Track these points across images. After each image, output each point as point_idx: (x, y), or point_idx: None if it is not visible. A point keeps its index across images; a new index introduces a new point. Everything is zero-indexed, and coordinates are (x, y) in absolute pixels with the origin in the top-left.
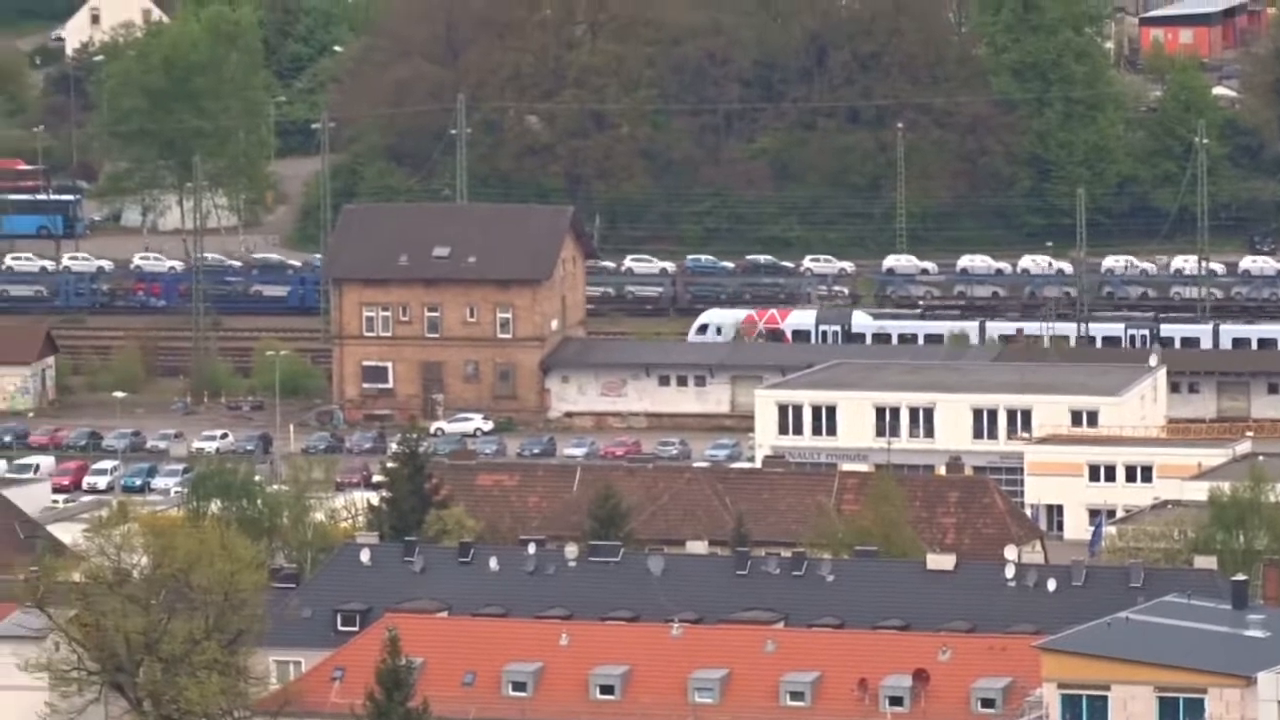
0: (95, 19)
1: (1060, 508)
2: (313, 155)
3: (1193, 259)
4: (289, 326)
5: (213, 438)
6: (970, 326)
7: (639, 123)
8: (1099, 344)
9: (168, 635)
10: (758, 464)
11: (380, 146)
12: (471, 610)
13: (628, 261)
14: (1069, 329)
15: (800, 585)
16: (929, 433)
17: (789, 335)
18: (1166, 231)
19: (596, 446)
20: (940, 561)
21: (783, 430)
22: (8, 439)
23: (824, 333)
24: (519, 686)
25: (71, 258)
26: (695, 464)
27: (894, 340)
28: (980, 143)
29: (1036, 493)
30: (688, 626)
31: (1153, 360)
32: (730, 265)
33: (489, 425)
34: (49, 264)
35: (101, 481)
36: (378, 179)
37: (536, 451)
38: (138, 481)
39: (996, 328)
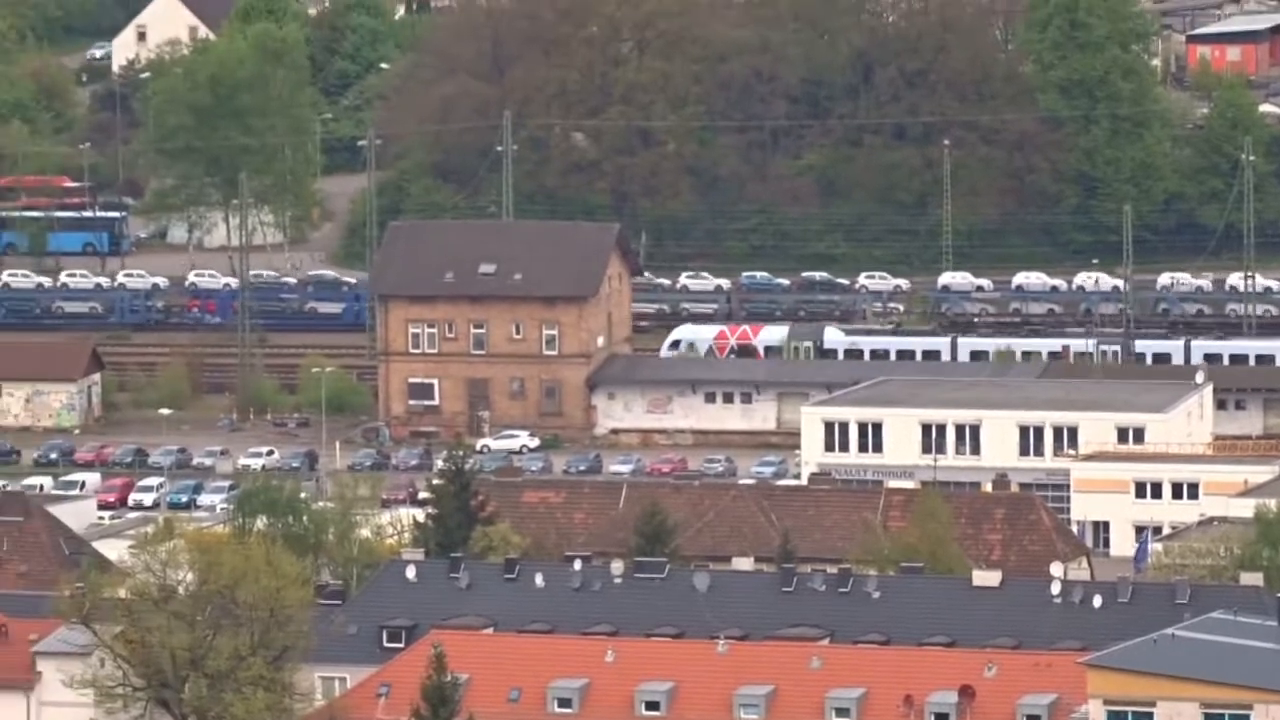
0: (142, 36)
1: (1106, 524)
2: (359, 172)
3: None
4: (335, 343)
5: (259, 454)
6: (941, 343)
7: (685, 139)
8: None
9: (213, 651)
10: (804, 481)
11: (426, 163)
12: (517, 627)
13: (683, 279)
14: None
15: (846, 602)
16: (975, 449)
17: (761, 351)
18: (1212, 248)
19: (642, 463)
20: (986, 578)
21: (829, 447)
22: (54, 456)
23: (796, 349)
24: (564, 703)
25: (126, 274)
26: (741, 481)
27: (865, 356)
28: (1027, 160)
29: (1083, 509)
30: (733, 643)
31: (1199, 377)
32: (785, 282)
33: (535, 442)
34: (104, 280)
35: (147, 498)
36: (424, 196)
37: (582, 468)
38: (183, 498)
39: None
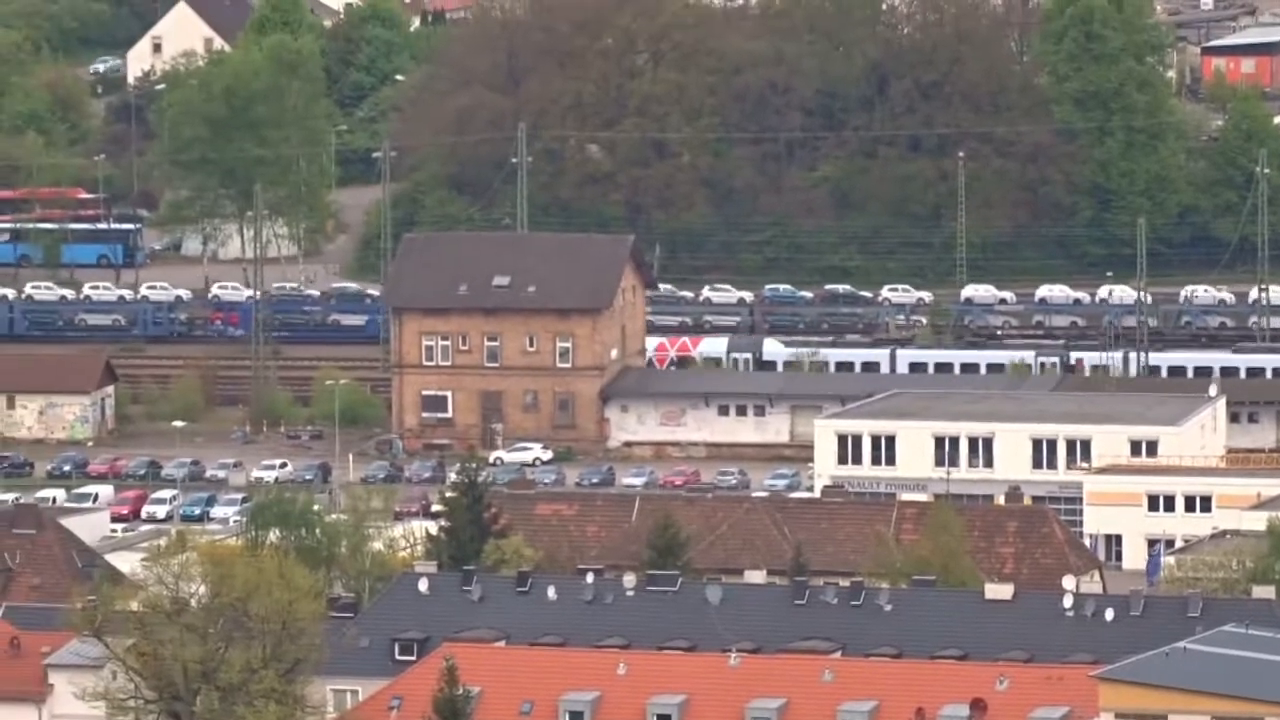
0: (157, 48)
1: (1119, 537)
2: (373, 184)
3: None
4: (349, 356)
5: (272, 467)
6: (880, 354)
7: (700, 151)
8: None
9: (225, 664)
10: (817, 494)
11: (441, 175)
12: (529, 639)
13: (705, 291)
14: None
15: (858, 615)
16: (988, 463)
17: (699, 362)
18: (1226, 261)
19: (655, 476)
20: (998, 591)
21: (842, 460)
22: (67, 468)
23: (735, 360)
24: (576, 716)
25: (149, 287)
26: (754, 494)
27: (806, 368)
28: (1041, 172)
29: (1095, 523)
30: (745, 656)
31: (1212, 390)
32: (808, 295)
33: (548, 455)
34: (126, 293)
35: (160, 511)
36: (438, 208)
37: (595, 481)
38: (196, 511)
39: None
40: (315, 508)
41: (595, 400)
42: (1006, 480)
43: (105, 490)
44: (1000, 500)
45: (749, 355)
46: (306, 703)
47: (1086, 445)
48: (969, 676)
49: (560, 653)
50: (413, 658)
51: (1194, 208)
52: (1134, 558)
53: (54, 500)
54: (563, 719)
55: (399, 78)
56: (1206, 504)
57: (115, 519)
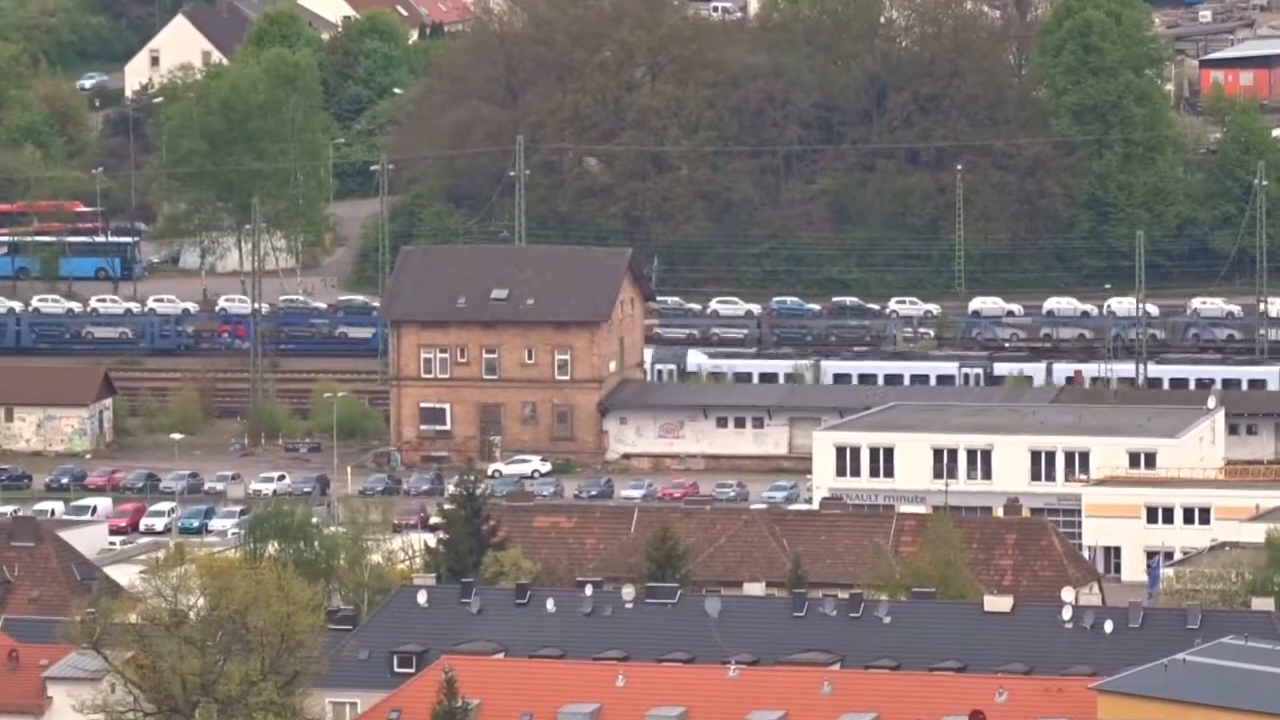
0: (155, 61)
1: (1118, 549)
2: (371, 197)
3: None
4: (347, 368)
5: (270, 479)
6: (803, 365)
7: (698, 164)
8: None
9: (224, 676)
10: (815, 506)
11: (439, 188)
12: (528, 652)
13: (713, 304)
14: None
15: (857, 627)
16: (987, 474)
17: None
18: (1225, 273)
19: (654, 488)
20: (997, 603)
21: (840, 472)
22: (65, 480)
23: (659, 371)
24: None
25: (156, 299)
26: (753, 506)
27: (729, 379)
28: (1040, 184)
29: (1094, 534)
30: (745, 668)
31: (1211, 402)
32: (816, 307)
33: (547, 467)
34: (134, 306)
35: (159, 523)
36: (436, 221)
37: (594, 493)
38: (195, 523)
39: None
40: (314, 520)
41: (594, 412)
42: (1005, 492)
43: (104, 503)
44: (999, 512)
45: (673, 366)
46: (305, 715)
47: (1085, 457)
48: (968, 688)
49: (559, 665)
50: (412, 670)
51: (1192, 220)
52: (1133, 570)
53: (52, 513)
54: None
55: (397, 91)
56: (1205, 516)
57: (114, 531)
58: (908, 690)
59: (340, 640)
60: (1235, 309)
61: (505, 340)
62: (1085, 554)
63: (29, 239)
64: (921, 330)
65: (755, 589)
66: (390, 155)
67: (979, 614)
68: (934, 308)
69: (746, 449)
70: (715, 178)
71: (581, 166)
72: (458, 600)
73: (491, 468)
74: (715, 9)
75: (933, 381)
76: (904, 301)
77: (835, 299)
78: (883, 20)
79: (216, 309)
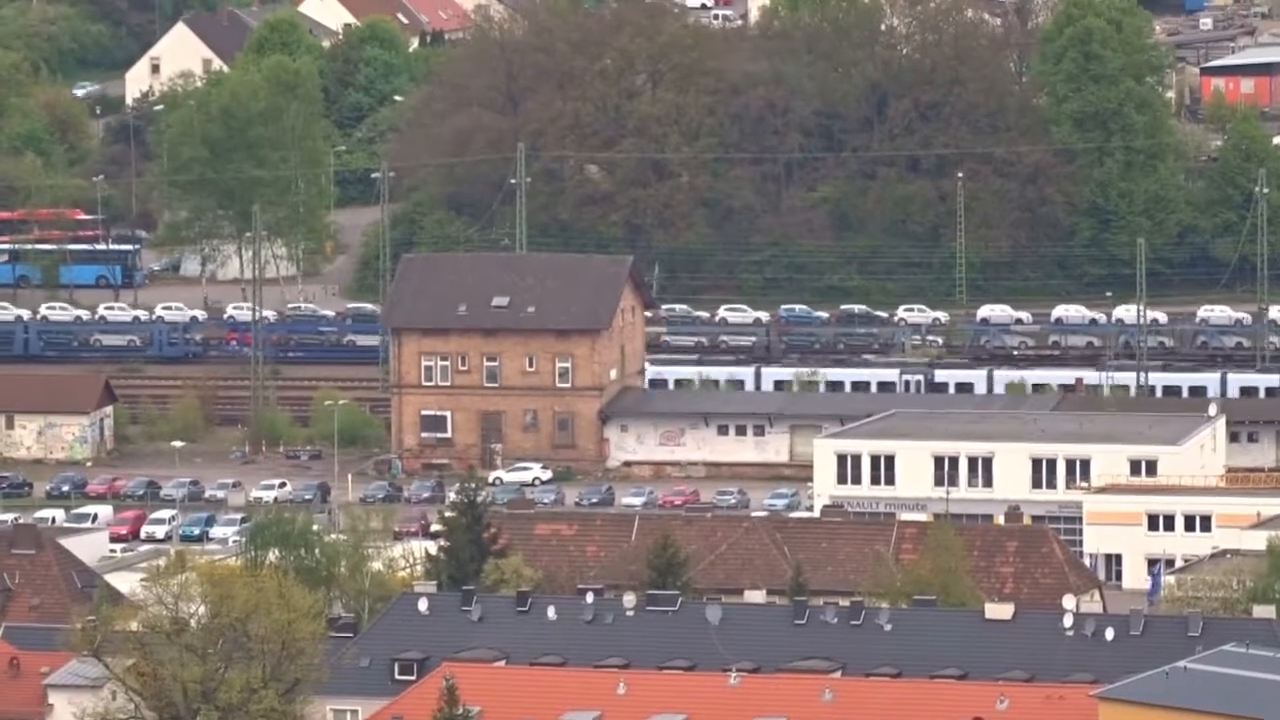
0: (155, 68)
1: (1119, 557)
2: (372, 205)
3: None
4: (348, 376)
5: (271, 487)
6: (745, 372)
7: (699, 172)
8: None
9: (225, 684)
10: (816, 513)
11: (440, 196)
12: (529, 659)
13: (722, 311)
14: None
15: (858, 634)
16: (987, 482)
17: None
18: (1226, 281)
19: (655, 496)
20: (998, 611)
21: (841, 480)
22: (66, 488)
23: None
24: None
25: (165, 307)
26: (754, 513)
27: (670, 385)
28: (1040, 192)
29: (1095, 542)
30: (745, 676)
31: (1212, 409)
32: (824, 315)
33: (547, 474)
34: (141, 313)
35: (159, 531)
36: (437, 228)
37: (595, 501)
38: (196, 531)
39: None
40: (314, 528)
41: (594, 420)
42: (1006, 500)
43: (104, 510)
44: (1000, 520)
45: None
46: None
47: (1086, 465)
48: (969, 696)
49: (560, 672)
50: (413, 678)
51: (1193, 228)
52: (1134, 577)
53: (53, 520)
54: None
55: (397, 98)
56: (1206, 523)
57: (114, 539)
58: (909, 698)
59: (341, 648)
60: (1244, 316)
61: (506, 348)
62: (1086, 561)
63: (30, 247)
64: (930, 338)
65: (756, 596)
66: (391, 163)
67: (980, 622)
68: (942, 315)
69: (747, 456)
70: (716, 185)
71: (582, 174)
72: (459, 608)
73: (492, 475)
74: (716, 17)
75: (873, 389)
76: (912, 309)
77: (843, 306)
78: (883, 28)
79: (225, 316)
